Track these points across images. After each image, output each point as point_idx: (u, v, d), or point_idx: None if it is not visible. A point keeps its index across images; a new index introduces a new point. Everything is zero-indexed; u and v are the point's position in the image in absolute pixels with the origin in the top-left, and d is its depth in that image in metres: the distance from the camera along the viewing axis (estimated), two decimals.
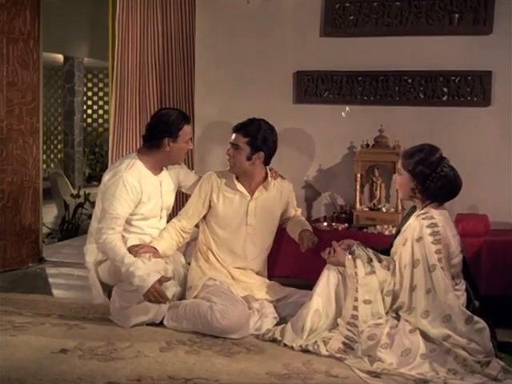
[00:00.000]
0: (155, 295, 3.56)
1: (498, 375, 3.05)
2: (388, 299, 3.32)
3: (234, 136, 3.83)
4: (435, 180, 3.27)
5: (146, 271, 3.56)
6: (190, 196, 4.02)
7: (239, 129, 3.83)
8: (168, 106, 4.89)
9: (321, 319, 3.42)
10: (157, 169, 3.89)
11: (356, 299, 3.31)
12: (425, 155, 3.30)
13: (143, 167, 3.83)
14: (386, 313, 3.33)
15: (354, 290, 3.32)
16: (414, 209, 3.46)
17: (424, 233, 3.22)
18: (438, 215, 3.27)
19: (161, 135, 3.80)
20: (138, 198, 3.77)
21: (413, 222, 3.30)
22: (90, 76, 15.01)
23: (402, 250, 3.29)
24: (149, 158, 3.85)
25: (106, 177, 3.83)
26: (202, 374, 3.09)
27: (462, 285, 3.32)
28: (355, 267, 3.33)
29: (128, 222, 3.80)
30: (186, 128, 3.84)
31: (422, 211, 3.30)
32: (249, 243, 3.90)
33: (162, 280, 3.58)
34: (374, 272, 3.31)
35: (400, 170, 3.39)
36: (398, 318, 3.31)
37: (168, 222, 4.02)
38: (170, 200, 3.98)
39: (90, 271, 3.91)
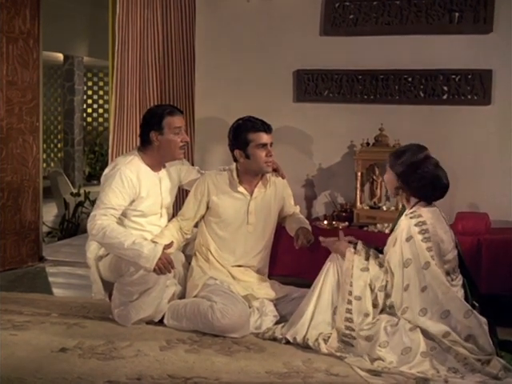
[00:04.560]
0: (164, 262, 3.59)
1: (498, 374, 3.05)
2: (381, 294, 3.33)
3: (267, 136, 3.81)
4: (416, 180, 3.30)
5: (149, 242, 3.65)
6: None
7: (270, 128, 3.83)
8: None
9: (321, 312, 3.43)
10: (156, 166, 3.90)
11: (350, 293, 3.34)
12: (409, 156, 3.34)
13: (142, 163, 3.86)
14: (382, 310, 3.34)
15: (349, 284, 3.35)
16: (405, 207, 3.48)
17: (413, 232, 3.23)
18: (426, 213, 3.28)
19: (147, 130, 3.85)
20: (135, 192, 3.78)
21: (402, 221, 3.32)
22: (90, 75, 15.00)
23: (392, 250, 3.31)
24: (146, 155, 3.88)
25: (106, 170, 3.88)
26: (201, 373, 3.09)
27: (459, 280, 3.33)
28: (353, 260, 3.36)
29: (128, 218, 3.82)
30: (170, 119, 3.83)
31: (411, 210, 3.33)
32: (250, 241, 3.91)
33: (165, 247, 3.64)
34: (368, 269, 3.34)
35: (386, 168, 3.45)
36: (396, 314, 3.32)
37: (170, 220, 4.03)
38: (169, 198, 3.98)
39: (91, 267, 3.91)
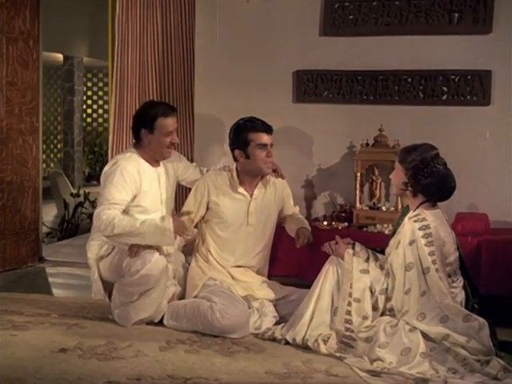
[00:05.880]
0: (178, 224, 3.68)
1: (497, 374, 3.04)
2: (382, 297, 3.33)
3: (267, 137, 3.81)
4: (426, 175, 3.29)
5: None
6: (190, 190, 4.03)
7: (271, 129, 3.84)
8: None
9: (320, 312, 3.43)
10: (153, 161, 3.90)
11: (350, 295, 3.34)
12: (420, 151, 3.33)
13: (141, 159, 3.85)
14: (382, 313, 3.34)
15: (349, 285, 3.35)
16: (408, 208, 3.47)
17: (416, 236, 3.22)
18: (430, 216, 3.27)
19: (138, 126, 3.84)
20: (137, 187, 3.78)
21: (406, 224, 3.30)
22: (90, 75, 15.01)
23: (395, 253, 3.30)
24: (141, 151, 3.87)
25: (106, 167, 3.87)
26: (201, 374, 3.09)
27: (460, 282, 3.33)
28: (352, 262, 3.36)
29: (131, 215, 3.80)
30: (163, 121, 3.80)
31: (415, 213, 3.31)
32: (250, 242, 3.91)
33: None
34: (368, 271, 3.34)
35: (395, 163, 3.44)
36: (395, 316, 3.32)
37: None
38: (168, 194, 3.97)
39: (91, 267, 3.91)
